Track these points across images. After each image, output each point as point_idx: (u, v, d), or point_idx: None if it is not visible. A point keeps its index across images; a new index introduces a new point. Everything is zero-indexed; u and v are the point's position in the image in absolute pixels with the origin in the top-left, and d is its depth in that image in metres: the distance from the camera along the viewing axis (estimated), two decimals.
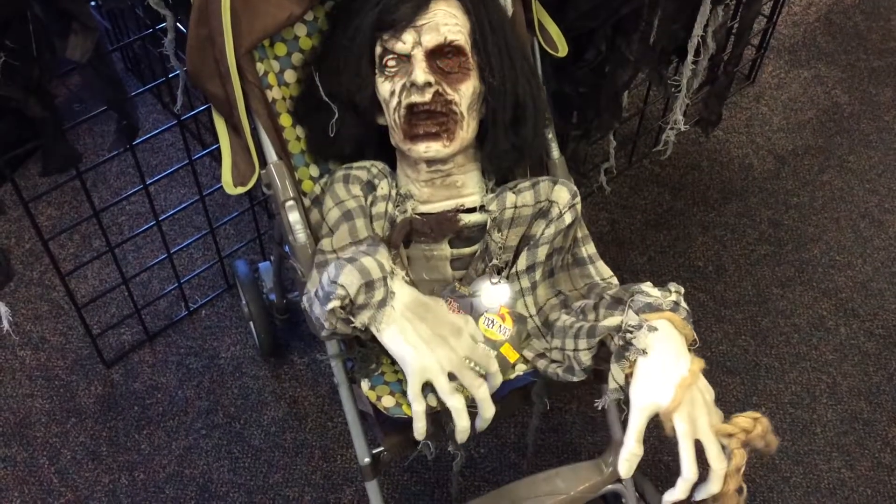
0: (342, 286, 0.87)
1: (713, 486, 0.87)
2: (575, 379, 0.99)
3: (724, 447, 0.88)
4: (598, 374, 0.99)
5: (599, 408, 0.98)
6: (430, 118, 1.00)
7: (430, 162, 1.04)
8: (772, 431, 0.89)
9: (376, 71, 1.03)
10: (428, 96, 0.99)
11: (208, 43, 1.01)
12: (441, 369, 0.89)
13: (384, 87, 1.02)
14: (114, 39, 2.16)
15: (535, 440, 1.60)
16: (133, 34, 2.06)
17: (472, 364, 0.92)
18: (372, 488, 1.11)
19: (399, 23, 0.99)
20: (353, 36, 1.02)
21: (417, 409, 0.90)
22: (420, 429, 0.90)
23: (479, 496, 1.22)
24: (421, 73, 0.98)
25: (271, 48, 1.10)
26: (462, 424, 0.90)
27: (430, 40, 0.99)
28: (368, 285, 0.88)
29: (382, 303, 0.89)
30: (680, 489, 0.88)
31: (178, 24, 1.31)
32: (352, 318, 0.89)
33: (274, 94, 1.09)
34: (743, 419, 0.88)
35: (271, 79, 1.09)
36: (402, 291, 0.91)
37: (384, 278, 0.90)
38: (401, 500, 1.53)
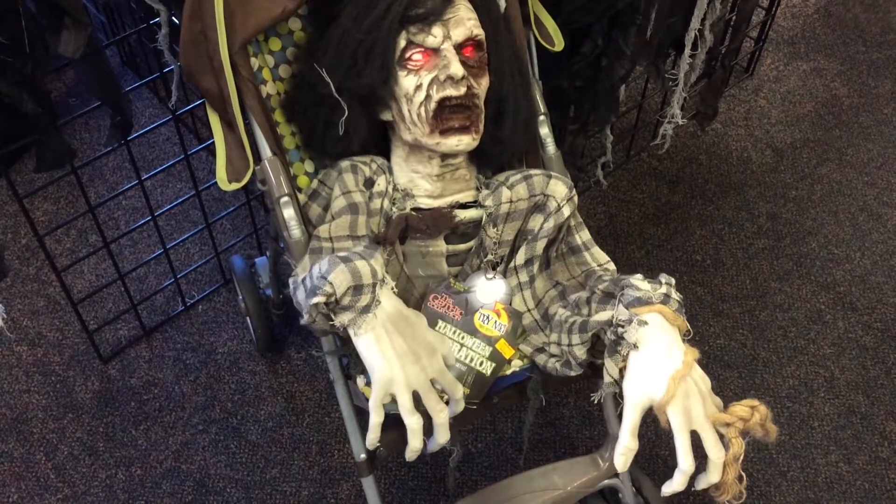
0: (331, 284, 0.87)
1: (712, 476, 0.88)
2: (572, 373, 0.99)
3: (721, 436, 0.89)
4: (594, 369, 0.99)
5: (595, 401, 0.98)
6: (461, 111, 1.01)
7: (445, 156, 1.04)
8: (770, 419, 0.89)
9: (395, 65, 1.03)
10: (463, 90, 0.99)
11: (202, 38, 1.01)
12: (407, 386, 0.88)
13: (407, 82, 1.01)
14: (110, 33, 2.16)
15: (531, 435, 1.60)
16: (129, 28, 2.05)
17: (439, 388, 0.92)
18: (368, 484, 1.10)
19: (429, 16, 0.99)
20: (370, 29, 1.00)
21: (375, 420, 0.88)
22: (372, 440, 0.90)
23: (476, 491, 1.21)
24: (458, 66, 0.99)
25: (265, 43, 1.10)
26: (415, 445, 0.89)
27: (459, 34, 1.00)
28: (357, 289, 0.88)
29: (366, 309, 0.88)
30: (678, 481, 0.88)
31: (172, 18, 1.31)
32: (332, 316, 0.89)
33: (268, 89, 1.09)
34: (740, 408, 0.88)
35: (266, 74, 1.09)
36: (388, 302, 0.90)
37: (374, 285, 0.89)
38: (397, 495, 1.53)
